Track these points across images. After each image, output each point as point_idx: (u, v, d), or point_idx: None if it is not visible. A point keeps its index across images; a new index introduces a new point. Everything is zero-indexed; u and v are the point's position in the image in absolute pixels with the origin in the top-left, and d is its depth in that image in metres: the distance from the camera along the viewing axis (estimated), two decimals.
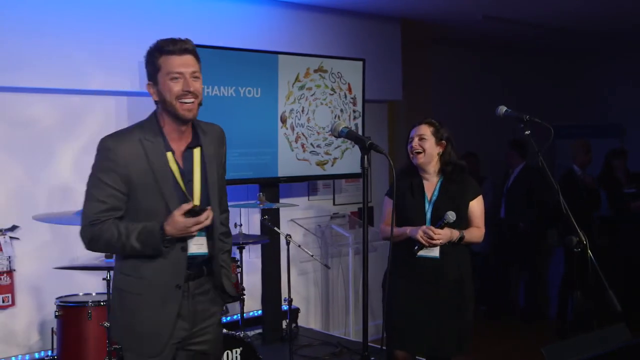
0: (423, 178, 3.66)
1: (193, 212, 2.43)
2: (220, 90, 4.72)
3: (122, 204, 2.53)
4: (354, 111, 5.54)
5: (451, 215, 3.48)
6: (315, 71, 5.27)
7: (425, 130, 3.61)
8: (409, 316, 3.54)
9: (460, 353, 3.60)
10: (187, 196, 2.55)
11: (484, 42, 7.80)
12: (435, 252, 3.53)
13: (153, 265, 2.54)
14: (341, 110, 5.45)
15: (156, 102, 2.61)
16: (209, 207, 2.50)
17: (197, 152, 2.64)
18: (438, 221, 3.51)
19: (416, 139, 3.61)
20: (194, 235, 2.55)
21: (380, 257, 5.98)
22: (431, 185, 3.65)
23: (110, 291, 2.72)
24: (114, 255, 2.74)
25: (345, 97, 5.48)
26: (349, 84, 5.48)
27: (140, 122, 2.65)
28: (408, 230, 3.51)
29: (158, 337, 2.55)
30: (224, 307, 2.93)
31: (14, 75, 4.19)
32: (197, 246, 2.61)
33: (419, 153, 3.60)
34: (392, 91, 6.35)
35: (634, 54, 8.15)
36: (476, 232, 3.63)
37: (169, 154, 2.57)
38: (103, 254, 3.95)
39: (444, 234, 3.46)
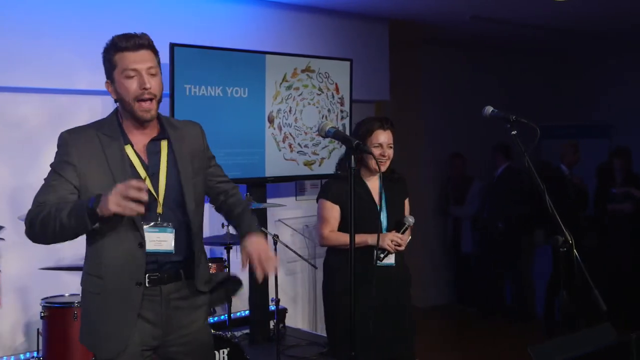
0: (365, 180, 3.53)
1: None
2: (207, 90, 4.70)
3: (70, 196, 2.41)
4: (342, 111, 5.54)
5: (411, 219, 3.44)
6: (303, 71, 5.26)
7: (391, 137, 3.50)
8: (375, 326, 3.32)
9: (411, 351, 3.56)
10: (150, 189, 2.45)
11: (474, 42, 7.81)
12: (392, 259, 3.44)
13: (111, 263, 2.45)
14: (328, 111, 5.45)
15: (115, 101, 2.55)
16: (142, 180, 2.34)
17: (164, 144, 2.55)
18: (392, 226, 3.45)
19: (387, 148, 3.47)
20: (126, 216, 2.30)
21: None
22: (374, 187, 3.52)
23: None
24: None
25: (333, 97, 5.47)
26: (336, 84, 5.48)
27: (100, 119, 2.60)
28: (369, 239, 3.29)
29: (119, 337, 2.45)
30: (212, 311, 2.75)
31: (1, 75, 4.16)
32: (155, 242, 2.48)
33: (385, 161, 3.47)
34: (379, 91, 6.35)
35: (633, 54, 8.17)
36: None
37: (128, 147, 2.49)
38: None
39: (406, 239, 3.41)
